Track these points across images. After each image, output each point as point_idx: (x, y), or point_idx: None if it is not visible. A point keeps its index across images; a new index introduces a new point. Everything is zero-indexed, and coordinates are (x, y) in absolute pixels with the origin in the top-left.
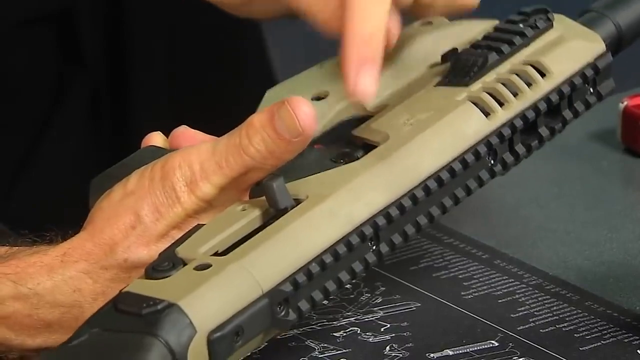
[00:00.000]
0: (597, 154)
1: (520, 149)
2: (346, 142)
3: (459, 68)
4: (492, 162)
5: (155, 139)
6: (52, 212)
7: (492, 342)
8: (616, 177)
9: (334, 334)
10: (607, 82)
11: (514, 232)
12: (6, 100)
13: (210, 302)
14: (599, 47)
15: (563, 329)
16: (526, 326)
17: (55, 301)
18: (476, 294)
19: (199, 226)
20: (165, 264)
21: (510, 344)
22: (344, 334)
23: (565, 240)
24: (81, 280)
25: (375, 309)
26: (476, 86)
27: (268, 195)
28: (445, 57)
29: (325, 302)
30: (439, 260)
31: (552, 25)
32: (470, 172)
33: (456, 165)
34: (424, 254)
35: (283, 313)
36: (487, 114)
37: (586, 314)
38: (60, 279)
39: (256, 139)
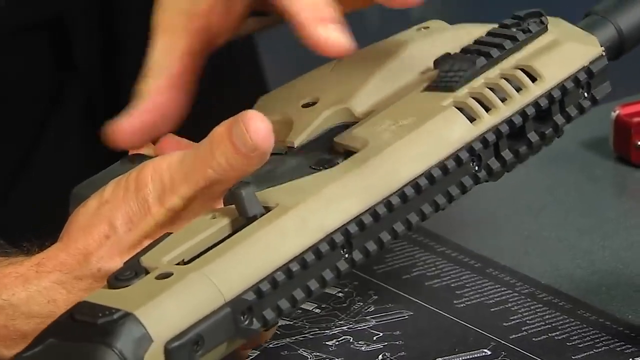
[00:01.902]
0: (589, 162)
1: (507, 154)
2: (328, 149)
3: (447, 73)
4: (476, 168)
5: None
6: (49, 215)
7: (485, 350)
8: (609, 186)
9: (327, 342)
10: (602, 86)
11: (507, 241)
12: (1, 105)
13: (168, 311)
14: (595, 50)
15: (555, 337)
16: (518, 335)
17: (31, 312)
18: (468, 302)
19: (166, 234)
20: (128, 272)
21: (503, 352)
22: (337, 343)
23: (557, 249)
24: (55, 290)
25: (367, 317)
26: (463, 91)
27: (237, 204)
28: (436, 63)
29: (295, 310)
30: (431, 269)
31: (546, 29)
32: (452, 178)
33: (435, 171)
34: (417, 263)
35: (247, 322)
36: (472, 119)
37: (579, 323)
38: (35, 289)
39: (218, 152)
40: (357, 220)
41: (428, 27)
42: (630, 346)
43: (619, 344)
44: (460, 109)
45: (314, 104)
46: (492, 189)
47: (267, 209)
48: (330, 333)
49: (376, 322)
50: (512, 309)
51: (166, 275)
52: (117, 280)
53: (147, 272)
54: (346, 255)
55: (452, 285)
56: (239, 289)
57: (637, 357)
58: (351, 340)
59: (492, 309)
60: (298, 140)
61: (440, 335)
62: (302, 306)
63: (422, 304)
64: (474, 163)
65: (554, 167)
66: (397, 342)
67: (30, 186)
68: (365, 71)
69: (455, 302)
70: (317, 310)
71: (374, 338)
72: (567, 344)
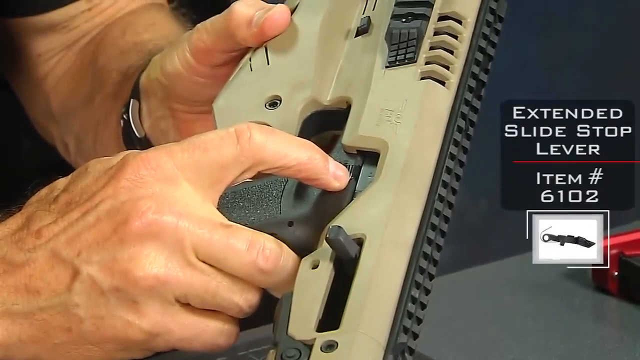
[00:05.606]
0: (569, 291)
1: (475, 102)
2: (337, 153)
3: (397, 44)
4: (471, 112)
5: None
6: None
7: None
8: (587, 313)
9: None
10: (501, 3)
11: None
12: None
13: None
14: None
15: None
16: None
17: None
18: None
19: (287, 296)
20: (292, 353)
21: None
22: None
23: None
24: None
25: None
26: (422, 59)
27: (338, 249)
28: (361, 30)
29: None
30: None
31: None
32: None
33: (456, 135)
34: None
35: (402, 358)
36: (442, 83)
37: None
38: None
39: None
40: (427, 223)
41: None
42: None
43: None
44: (431, 78)
45: (275, 102)
46: (480, 315)
47: (357, 241)
48: None
49: None
50: None
51: (331, 346)
52: None
53: (304, 344)
54: (431, 265)
55: None
56: (386, 331)
57: None
58: None
59: None
60: None
61: None
62: None
63: None
64: (466, 128)
65: (537, 296)
66: None
67: None
68: (300, 52)
69: None
70: None
71: None
72: None
